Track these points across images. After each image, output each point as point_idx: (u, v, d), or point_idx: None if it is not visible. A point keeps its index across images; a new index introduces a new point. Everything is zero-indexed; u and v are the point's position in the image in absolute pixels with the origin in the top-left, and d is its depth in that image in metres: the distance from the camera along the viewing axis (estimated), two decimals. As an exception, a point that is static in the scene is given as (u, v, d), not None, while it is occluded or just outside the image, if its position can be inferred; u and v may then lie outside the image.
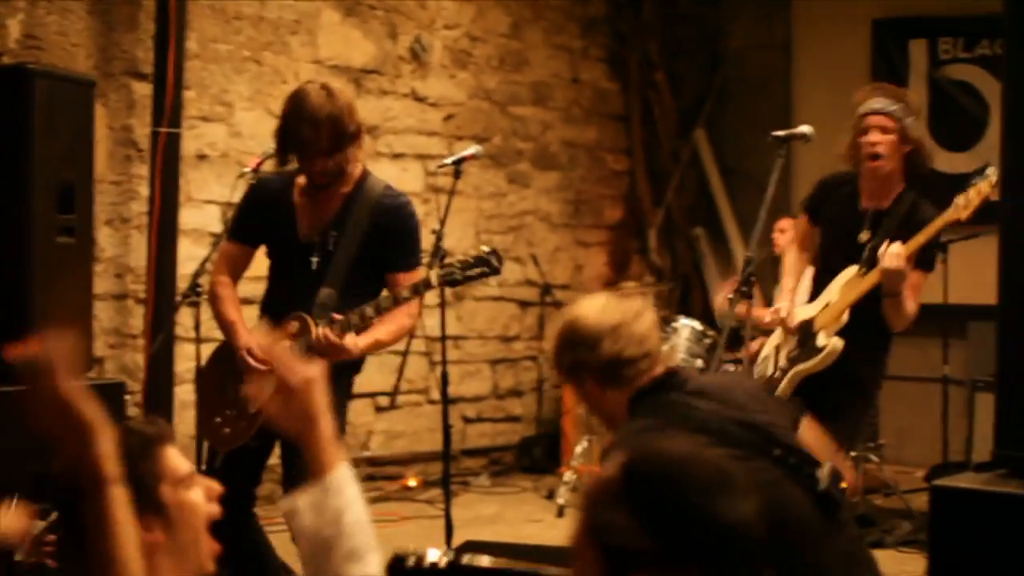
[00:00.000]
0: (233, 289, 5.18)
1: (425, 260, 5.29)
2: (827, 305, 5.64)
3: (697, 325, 8.28)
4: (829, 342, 5.51)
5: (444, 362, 5.60)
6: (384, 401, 8.48)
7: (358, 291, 4.96)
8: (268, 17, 8.15)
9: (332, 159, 4.86)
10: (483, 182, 9.53)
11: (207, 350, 5.76)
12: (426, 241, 5.28)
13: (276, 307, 5.09)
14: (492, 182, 9.64)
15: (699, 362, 8.07)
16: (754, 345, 6.45)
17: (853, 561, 3.45)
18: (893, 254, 5.26)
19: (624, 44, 10.66)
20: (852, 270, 5.57)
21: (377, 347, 5.03)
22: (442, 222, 5.55)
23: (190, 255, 7.38)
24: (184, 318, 7.16)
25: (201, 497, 2.55)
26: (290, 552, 5.02)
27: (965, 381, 8.43)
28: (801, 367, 5.66)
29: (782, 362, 5.74)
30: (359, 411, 8.35)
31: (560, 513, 7.99)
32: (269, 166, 5.47)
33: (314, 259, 5.00)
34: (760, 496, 2.02)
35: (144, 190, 7.39)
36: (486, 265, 4.85)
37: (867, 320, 5.49)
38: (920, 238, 5.40)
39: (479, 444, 9.59)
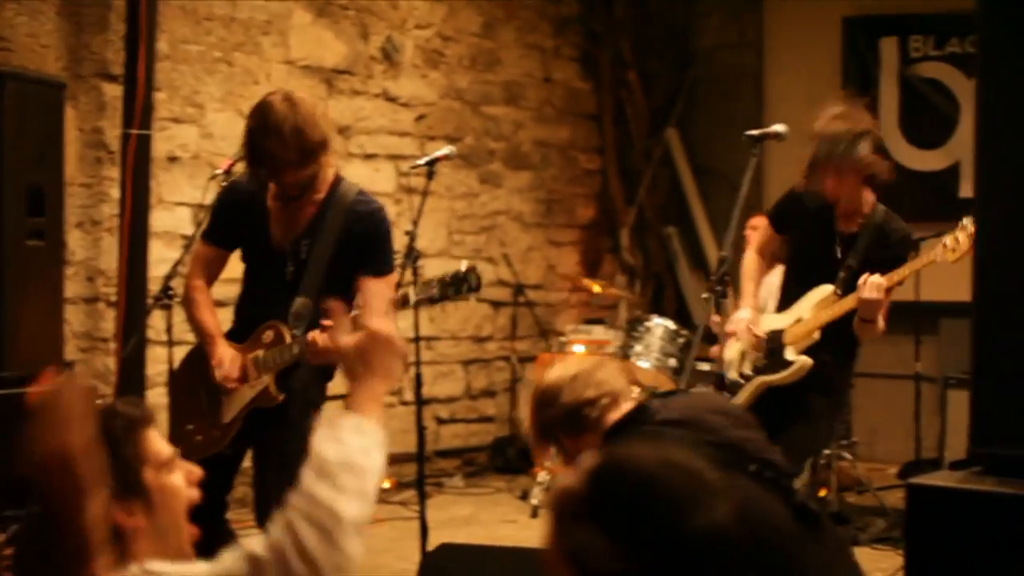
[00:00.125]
0: (208, 293, 5.14)
1: (398, 261, 5.27)
2: (798, 320, 5.65)
3: (670, 324, 8.27)
4: (799, 359, 5.56)
5: (418, 363, 5.59)
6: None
7: (332, 298, 4.92)
8: (239, 18, 8.12)
9: (303, 170, 4.83)
10: (455, 182, 9.52)
11: (179, 353, 5.73)
12: (399, 242, 5.26)
13: (250, 312, 5.08)
14: (464, 182, 9.63)
15: (672, 361, 8.07)
16: (714, 349, 6.49)
17: (836, 570, 3.45)
18: (873, 285, 5.30)
19: (596, 43, 10.66)
20: (827, 290, 5.58)
21: None
22: (415, 223, 5.53)
23: (161, 257, 7.35)
24: (156, 321, 7.11)
25: (182, 481, 2.53)
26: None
27: (937, 378, 8.47)
28: (767, 378, 5.68)
29: (746, 369, 5.75)
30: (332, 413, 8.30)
31: (534, 514, 7.98)
32: (241, 168, 5.44)
33: (288, 267, 4.98)
34: (735, 500, 2.00)
35: (115, 192, 7.35)
36: (465, 283, 4.83)
37: (838, 327, 5.53)
38: (904, 271, 5.46)
39: (452, 445, 9.58)
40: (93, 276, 7.42)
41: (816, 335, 5.59)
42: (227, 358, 4.94)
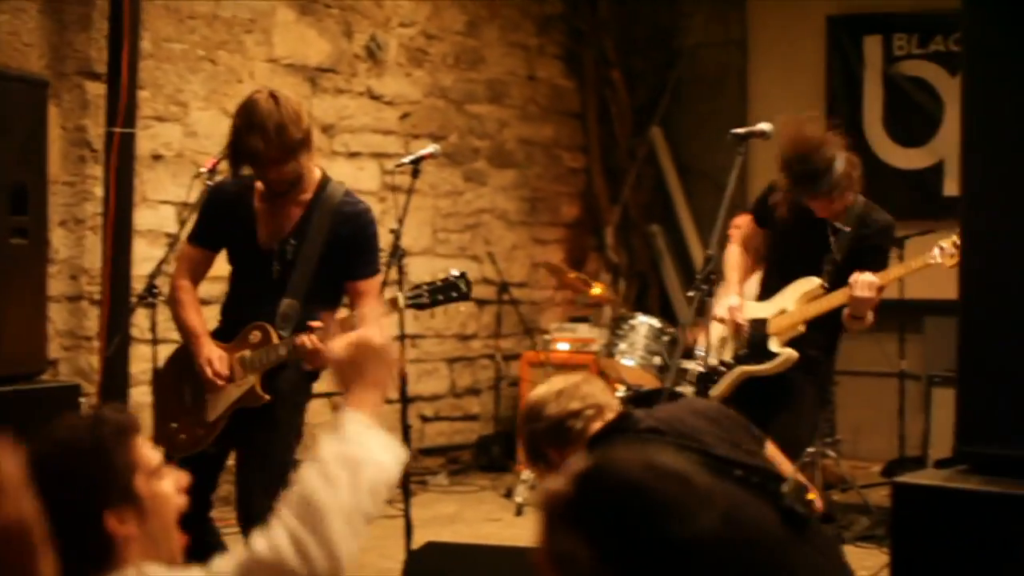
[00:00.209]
0: (194, 294, 5.14)
1: (383, 260, 5.27)
2: (782, 311, 5.66)
3: (655, 322, 8.26)
4: (784, 352, 5.59)
5: (402, 361, 5.58)
6: (341, 401, 8.42)
7: (319, 300, 4.96)
8: (222, 16, 8.10)
9: (286, 167, 4.84)
10: (439, 180, 9.51)
11: (163, 352, 5.72)
12: (384, 240, 5.25)
13: (237, 313, 5.08)
14: (448, 180, 9.62)
15: (657, 359, 8.06)
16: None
17: (826, 573, 3.44)
18: (866, 283, 5.34)
19: (580, 42, 10.66)
20: (813, 282, 5.60)
21: None
22: (400, 221, 5.52)
23: (145, 256, 7.33)
24: (140, 320, 7.10)
25: (171, 488, 2.52)
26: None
27: (922, 376, 8.48)
28: (749, 368, 5.69)
29: (726, 356, 5.76)
30: (316, 412, 8.27)
31: (519, 512, 7.99)
32: (225, 166, 5.43)
33: (275, 267, 4.98)
34: (721, 507, 1.99)
35: (98, 191, 7.33)
36: (455, 289, 4.85)
37: (823, 320, 5.57)
38: (899, 271, 5.51)
39: (437, 443, 9.57)
40: (77, 274, 7.40)
41: (801, 328, 5.61)
42: (215, 357, 4.94)
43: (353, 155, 8.88)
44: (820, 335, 5.68)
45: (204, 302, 5.22)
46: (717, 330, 5.83)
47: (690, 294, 5.21)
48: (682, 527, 1.95)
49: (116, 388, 7.05)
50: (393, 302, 4.81)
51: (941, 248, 5.39)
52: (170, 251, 5.74)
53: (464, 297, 4.86)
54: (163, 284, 5.70)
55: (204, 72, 7.99)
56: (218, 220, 5.13)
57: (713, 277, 5.13)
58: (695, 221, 10.48)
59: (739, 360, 5.76)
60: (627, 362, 8.06)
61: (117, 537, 2.36)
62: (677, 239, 10.63)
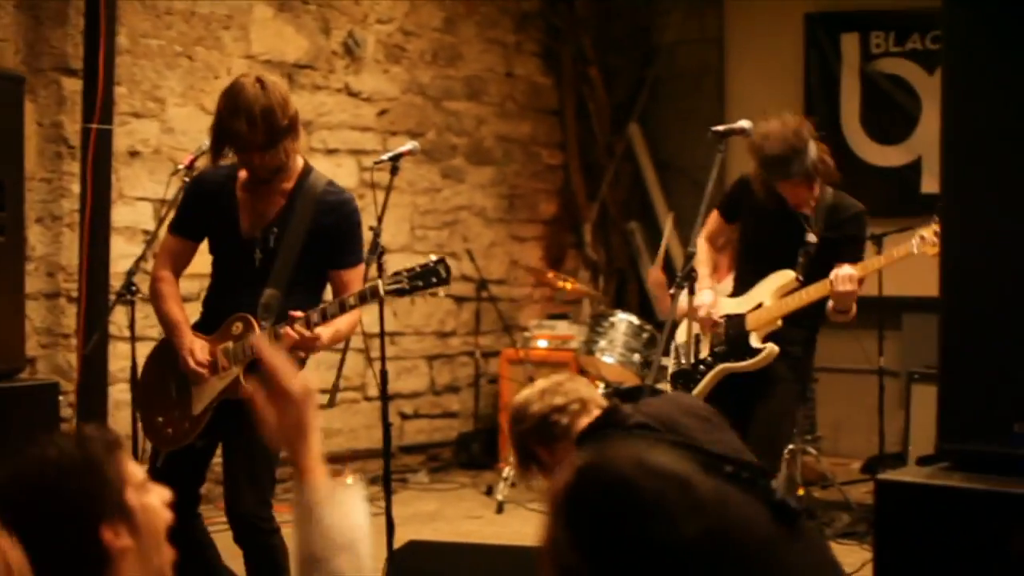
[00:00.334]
0: (175, 286, 5.11)
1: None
2: (759, 305, 5.67)
3: (634, 319, 8.28)
4: (766, 347, 5.60)
5: (383, 359, 5.55)
6: (321, 398, 8.40)
7: (302, 289, 4.94)
8: (200, 12, 8.07)
9: (269, 153, 4.81)
10: (417, 177, 9.49)
11: (142, 349, 5.69)
12: (363, 238, 5.24)
13: (219, 304, 5.05)
14: (426, 177, 9.61)
15: (636, 356, 8.07)
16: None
17: (819, 570, 3.43)
18: (846, 277, 5.36)
19: (558, 39, 10.65)
20: (788, 275, 5.62)
21: (337, 338, 4.99)
22: (379, 219, 5.50)
23: (123, 253, 7.31)
24: (118, 317, 7.08)
25: (159, 502, 2.51)
26: (235, 553, 4.98)
27: (901, 373, 8.49)
28: (731, 365, 5.70)
29: (703, 354, 5.76)
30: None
31: (499, 509, 7.98)
32: (203, 163, 5.41)
33: (256, 256, 4.96)
34: (711, 510, 1.98)
35: (75, 187, 7.30)
36: (434, 275, 4.83)
37: (802, 314, 5.60)
38: (879, 262, 5.55)
39: (416, 440, 9.56)
40: (54, 271, 7.36)
41: (779, 322, 5.63)
42: (197, 348, 4.92)
43: (331, 152, 8.86)
44: (798, 330, 5.70)
45: (183, 299, 5.19)
46: (689, 327, 5.83)
47: (671, 292, 5.21)
48: (665, 529, 1.94)
49: (94, 386, 7.02)
50: (374, 290, 4.78)
51: (922, 237, 5.42)
52: (148, 248, 5.72)
53: (443, 282, 4.84)
54: (141, 281, 5.67)
55: (181, 68, 7.96)
56: (200, 209, 5.10)
57: (694, 275, 5.13)
58: (673, 217, 10.47)
59: (718, 357, 5.76)
60: (607, 359, 8.07)
61: (113, 551, 2.35)
62: (655, 236, 10.62)
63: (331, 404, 5.33)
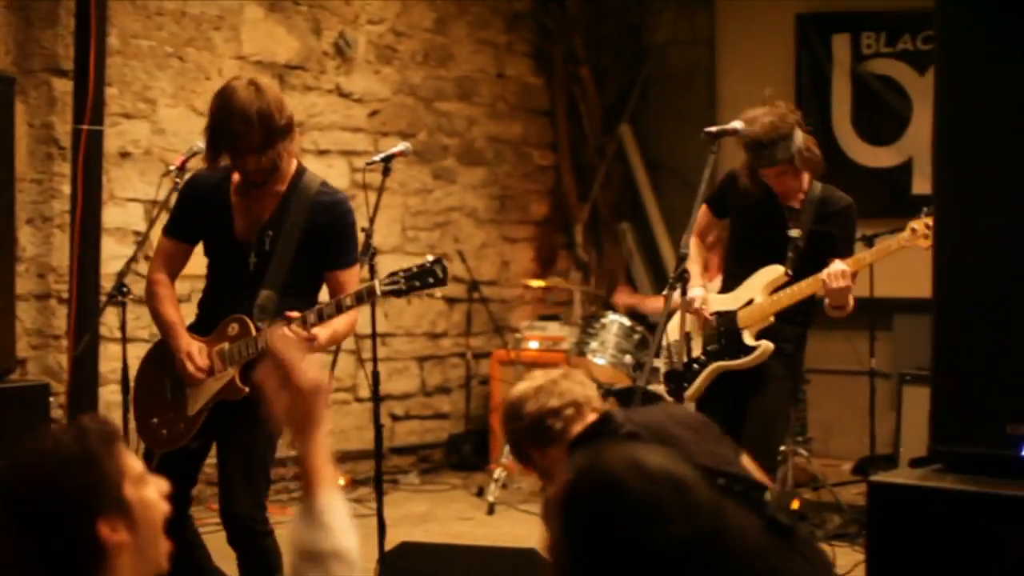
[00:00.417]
0: (171, 288, 5.11)
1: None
2: (750, 302, 5.67)
3: (626, 321, 8.28)
4: (761, 344, 5.60)
5: (375, 360, 5.55)
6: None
7: (297, 290, 4.94)
8: (191, 12, 8.05)
9: (265, 155, 4.81)
10: (408, 178, 9.48)
11: (133, 350, 5.69)
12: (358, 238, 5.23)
13: (214, 305, 5.05)
14: (418, 178, 9.60)
15: (628, 357, 8.06)
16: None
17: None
18: (838, 273, 5.36)
19: (549, 39, 10.64)
20: (777, 270, 5.62)
21: (334, 339, 4.99)
22: (371, 220, 5.49)
23: (114, 254, 7.29)
24: (109, 318, 7.07)
25: (156, 494, 2.51)
26: (227, 554, 4.97)
27: (892, 374, 8.50)
28: (725, 364, 5.69)
29: (696, 352, 5.74)
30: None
31: (491, 511, 7.98)
32: (195, 164, 5.40)
33: (251, 259, 4.95)
34: (705, 516, 1.98)
35: (66, 188, 7.28)
36: (431, 275, 4.82)
37: (794, 308, 5.60)
38: (872, 255, 5.55)
39: (407, 442, 9.55)
40: (44, 273, 7.35)
41: (772, 319, 5.62)
42: (194, 350, 4.91)
43: (322, 153, 8.85)
44: (790, 327, 5.69)
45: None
46: (679, 324, 5.82)
47: (664, 293, 5.21)
48: (658, 531, 1.94)
49: (85, 387, 7.01)
50: (370, 291, 4.78)
51: (913, 230, 5.43)
52: (139, 249, 5.70)
53: (440, 283, 4.83)
54: (132, 282, 5.65)
55: (172, 69, 7.94)
56: (194, 212, 5.10)
57: (686, 275, 5.12)
58: (664, 218, 10.47)
59: (711, 355, 5.75)
60: (598, 361, 8.06)
61: (109, 545, 2.35)
62: (647, 237, 10.63)
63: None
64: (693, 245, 5.91)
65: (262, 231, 4.95)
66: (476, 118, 10.09)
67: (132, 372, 5.41)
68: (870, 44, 9.58)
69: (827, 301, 5.52)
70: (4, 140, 6.14)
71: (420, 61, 9.61)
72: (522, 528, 7.35)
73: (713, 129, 5.34)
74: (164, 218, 5.59)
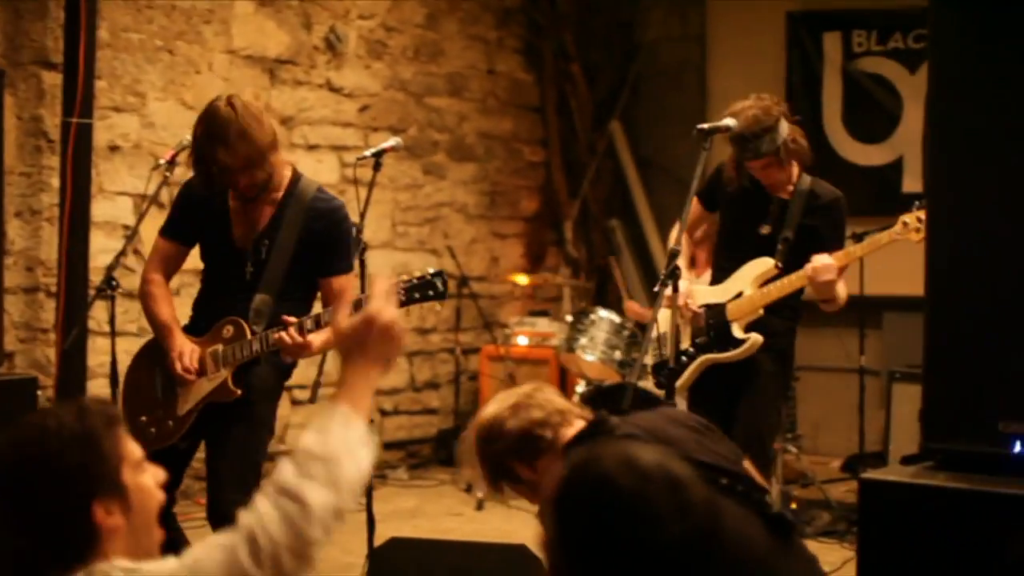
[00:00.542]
0: (166, 288, 5.10)
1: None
2: (740, 294, 5.67)
3: (615, 317, 8.26)
4: (751, 337, 5.59)
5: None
6: (302, 395, 8.38)
7: (292, 296, 4.95)
8: (181, 6, 8.03)
9: (254, 173, 4.79)
10: (399, 173, 9.47)
11: (121, 344, 5.67)
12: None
13: (209, 308, 5.04)
14: (408, 173, 9.58)
15: (618, 354, 8.05)
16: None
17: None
18: (824, 267, 5.36)
19: (539, 35, 10.63)
20: (767, 263, 5.62)
21: (328, 346, 4.97)
22: (362, 215, 5.47)
23: (102, 247, 7.27)
24: (98, 312, 7.04)
25: (152, 482, 2.50)
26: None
27: (881, 372, 8.50)
28: (714, 356, 5.69)
29: (684, 344, 5.73)
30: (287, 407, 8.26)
31: (479, 506, 7.97)
32: (184, 158, 5.37)
33: (248, 267, 4.94)
34: (699, 514, 1.97)
35: (55, 182, 7.26)
36: (431, 288, 4.80)
37: (783, 301, 5.61)
38: (863, 249, 5.55)
39: (396, 437, 9.53)
40: (33, 266, 7.32)
41: (761, 312, 5.62)
42: (187, 350, 4.90)
43: (312, 147, 8.84)
44: (780, 320, 5.69)
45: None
46: (668, 317, 5.81)
47: (655, 289, 5.19)
48: (650, 529, 1.93)
49: (73, 381, 6.99)
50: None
51: (904, 224, 5.43)
52: (128, 243, 5.68)
53: (440, 296, 4.81)
54: (121, 276, 5.64)
55: (162, 63, 7.92)
56: (191, 217, 5.09)
57: (677, 272, 5.11)
58: (654, 215, 10.47)
59: (700, 348, 5.74)
60: (588, 357, 8.05)
61: (103, 528, 2.34)
62: (636, 233, 10.62)
63: (312, 400, 5.31)
64: (683, 239, 5.93)
65: (259, 240, 4.95)
66: (466, 114, 10.08)
67: (121, 366, 5.40)
68: (861, 42, 9.58)
69: (817, 298, 5.52)
70: (-7, 133, 6.12)
71: (411, 56, 9.59)
72: (511, 524, 7.35)
73: (705, 126, 5.33)
74: (154, 212, 5.59)
